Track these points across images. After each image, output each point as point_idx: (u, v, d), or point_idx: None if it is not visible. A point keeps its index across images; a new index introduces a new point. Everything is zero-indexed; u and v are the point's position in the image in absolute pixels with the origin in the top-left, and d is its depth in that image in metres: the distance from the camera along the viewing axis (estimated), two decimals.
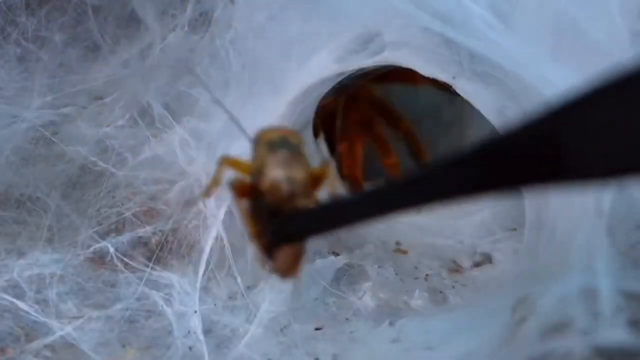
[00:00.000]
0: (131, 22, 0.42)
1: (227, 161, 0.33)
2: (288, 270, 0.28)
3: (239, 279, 0.41)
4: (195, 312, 0.38)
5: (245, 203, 0.29)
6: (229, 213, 0.42)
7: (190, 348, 0.36)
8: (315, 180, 0.29)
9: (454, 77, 0.38)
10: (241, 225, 0.39)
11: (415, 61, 0.39)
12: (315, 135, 0.56)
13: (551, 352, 0.24)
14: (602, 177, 0.16)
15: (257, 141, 0.31)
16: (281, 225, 0.27)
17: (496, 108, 0.37)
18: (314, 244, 0.44)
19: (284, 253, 0.27)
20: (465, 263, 0.46)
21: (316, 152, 0.57)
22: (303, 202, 0.27)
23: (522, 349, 0.27)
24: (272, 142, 0.29)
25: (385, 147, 0.55)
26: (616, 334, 0.22)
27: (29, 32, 0.40)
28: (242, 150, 0.42)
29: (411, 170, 0.21)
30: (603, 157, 0.16)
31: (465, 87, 0.38)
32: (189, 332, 0.37)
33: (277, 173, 0.27)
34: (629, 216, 0.27)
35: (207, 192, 0.36)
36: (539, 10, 0.32)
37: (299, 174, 0.27)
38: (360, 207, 0.23)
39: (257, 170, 0.28)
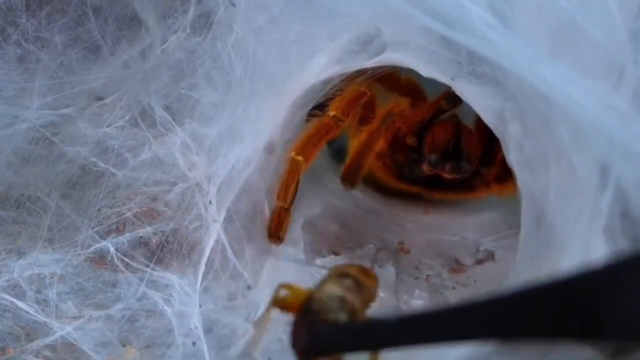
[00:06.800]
0: (132, 23, 0.42)
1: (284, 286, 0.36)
2: None
3: (238, 279, 0.41)
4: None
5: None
6: (228, 217, 0.43)
7: (191, 346, 0.36)
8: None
9: (453, 79, 0.38)
10: None
11: (415, 62, 0.39)
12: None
13: (551, 351, 0.24)
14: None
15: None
16: (318, 336, 0.30)
17: (495, 109, 0.37)
18: (314, 243, 0.45)
19: None
20: (468, 260, 0.46)
21: None
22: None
23: (522, 349, 0.27)
24: (342, 272, 0.34)
25: None
26: None
27: (30, 33, 0.40)
28: (240, 152, 0.43)
29: (449, 306, 0.23)
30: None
31: (464, 88, 0.38)
32: (189, 332, 0.37)
33: (336, 289, 0.32)
34: (626, 216, 0.27)
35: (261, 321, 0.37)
36: (538, 10, 0.32)
37: (352, 300, 0.32)
38: (396, 333, 0.25)
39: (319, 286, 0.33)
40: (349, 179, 0.46)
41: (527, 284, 0.19)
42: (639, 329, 0.17)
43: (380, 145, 0.49)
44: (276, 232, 0.45)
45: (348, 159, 0.47)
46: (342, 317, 0.30)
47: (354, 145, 0.48)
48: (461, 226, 0.50)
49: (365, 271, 0.35)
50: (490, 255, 0.46)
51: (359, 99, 0.46)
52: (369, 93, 0.46)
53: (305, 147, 0.45)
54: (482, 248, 0.47)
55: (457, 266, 0.45)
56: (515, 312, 0.19)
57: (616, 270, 0.17)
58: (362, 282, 0.34)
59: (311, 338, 0.29)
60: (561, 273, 0.19)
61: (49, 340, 0.36)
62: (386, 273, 0.43)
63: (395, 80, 0.50)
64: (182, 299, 0.39)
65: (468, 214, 0.52)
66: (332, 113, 0.45)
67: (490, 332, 0.20)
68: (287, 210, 0.45)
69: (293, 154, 0.45)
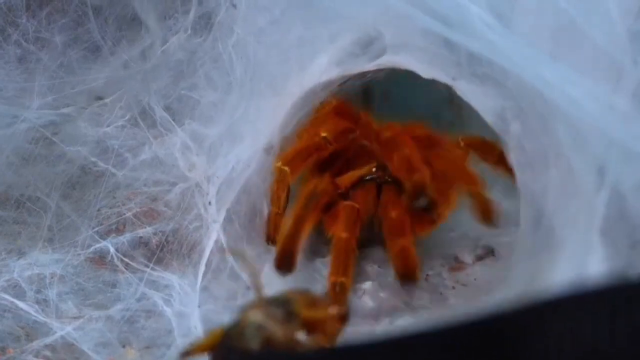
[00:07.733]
0: (132, 23, 0.42)
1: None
2: None
3: (238, 280, 0.41)
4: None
5: None
6: (228, 218, 0.43)
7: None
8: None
9: (453, 79, 0.38)
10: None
11: (415, 63, 0.39)
12: None
13: None
14: None
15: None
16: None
17: (495, 109, 0.37)
18: (314, 243, 0.45)
19: None
20: (467, 258, 0.46)
21: None
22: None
23: None
24: (276, 300, 0.31)
25: None
26: None
27: (30, 33, 0.40)
28: (240, 152, 0.43)
29: (391, 336, 0.22)
30: None
31: (464, 89, 0.38)
32: (188, 332, 0.37)
33: (257, 316, 0.30)
34: (623, 217, 0.28)
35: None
36: (538, 11, 0.32)
37: (272, 329, 0.30)
38: None
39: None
40: (284, 266, 0.40)
41: (441, 324, 0.20)
42: None
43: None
44: (274, 235, 0.45)
45: (278, 246, 0.41)
46: (254, 344, 0.29)
47: (283, 230, 0.43)
48: (460, 222, 0.50)
49: (312, 304, 0.32)
50: (490, 251, 0.46)
51: (351, 132, 0.46)
52: (358, 131, 0.46)
53: (293, 160, 0.44)
54: (481, 244, 0.47)
55: (456, 264, 0.45)
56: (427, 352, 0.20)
57: (529, 313, 0.18)
58: (297, 313, 0.31)
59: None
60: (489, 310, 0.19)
61: (49, 340, 0.36)
62: (386, 273, 0.43)
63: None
64: (182, 299, 0.39)
65: (467, 213, 0.52)
66: (324, 134, 0.44)
67: None
68: (281, 215, 0.45)
69: (280, 164, 0.43)
